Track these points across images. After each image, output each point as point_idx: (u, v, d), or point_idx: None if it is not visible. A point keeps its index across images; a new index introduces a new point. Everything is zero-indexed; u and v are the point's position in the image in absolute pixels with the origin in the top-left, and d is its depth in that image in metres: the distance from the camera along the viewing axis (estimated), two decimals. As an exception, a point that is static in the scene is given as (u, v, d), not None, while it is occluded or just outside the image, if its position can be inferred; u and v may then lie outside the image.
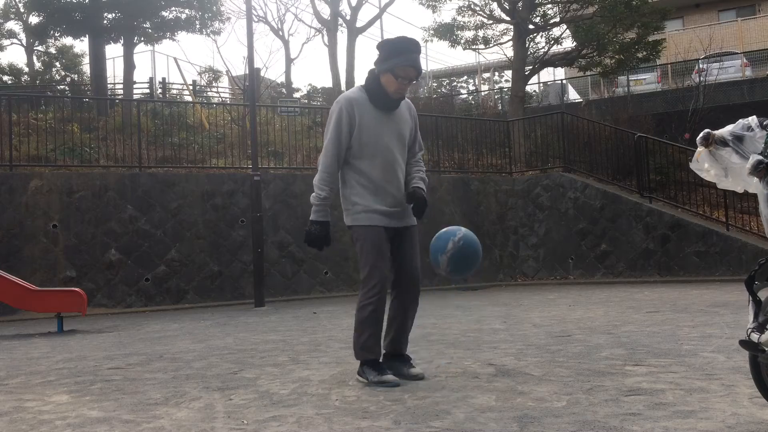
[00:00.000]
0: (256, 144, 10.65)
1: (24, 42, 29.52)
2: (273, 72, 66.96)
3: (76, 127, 12.88)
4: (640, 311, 6.83)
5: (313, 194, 3.77)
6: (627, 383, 3.36)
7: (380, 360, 3.74)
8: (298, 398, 3.37)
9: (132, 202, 10.66)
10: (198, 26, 18.99)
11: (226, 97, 24.88)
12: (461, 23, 18.87)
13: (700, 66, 18.44)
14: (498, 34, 19.08)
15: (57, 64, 31.14)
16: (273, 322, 7.57)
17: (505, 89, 25.57)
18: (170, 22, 18.71)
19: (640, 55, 17.45)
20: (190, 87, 23.11)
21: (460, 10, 18.84)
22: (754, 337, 2.50)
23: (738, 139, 2.80)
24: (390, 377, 3.62)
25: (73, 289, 8.15)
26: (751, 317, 2.57)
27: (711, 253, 11.27)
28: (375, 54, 3.86)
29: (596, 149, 13.96)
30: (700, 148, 2.94)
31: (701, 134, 2.92)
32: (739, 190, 2.96)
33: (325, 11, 22.96)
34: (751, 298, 2.59)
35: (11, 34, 29.84)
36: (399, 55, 3.69)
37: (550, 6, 18.17)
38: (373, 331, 3.67)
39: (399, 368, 3.74)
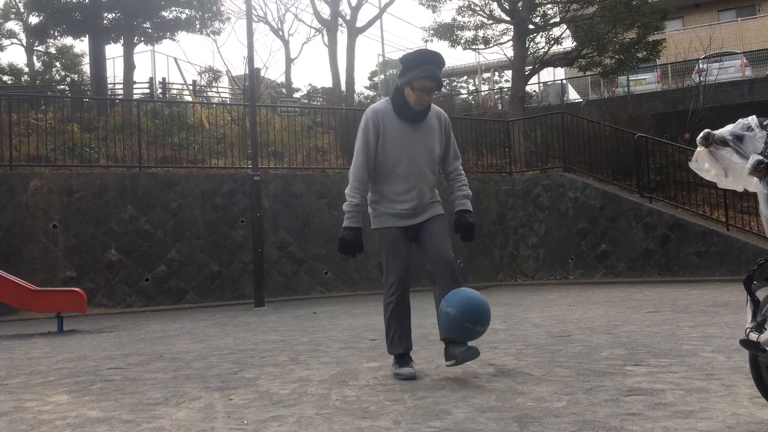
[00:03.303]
0: (256, 144, 10.65)
1: (24, 42, 29.52)
2: (273, 72, 67.00)
3: (76, 127, 12.88)
4: (640, 311, 6.83)
5: (345, 203, 3.92)
6: (627, 383, 3.36)
7: (407, 353, 3.88)
8: (298, 398, 3.37)
9: (132, 202, 10.66)
10: (198, 26, 19.00)
11: (226, 97, 24.89)
12: (461, 23, 18.87)
13: (700, 66, 18.43)
14: (498, 34, 19.09)
15: (57, 64, 31.13)
16: (273, 322, 7.57)
17: (505, 89, 25.58)
18: (170, 22, 18.71)
19: (640, 55, 17.44)
20: (190, 87, 23.11)
21: (460, 10, 18.85)
22: (753, 336, 2.50)
23: (738, 138, 2.80)
24: (405, 370, 3.78)
25: (73, 289, 8.14)
26: (749, 317, 2.58)
27: (711, 253, 11.27)
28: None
29: (596, 149, 13.96)
30: (700, 148, 2.94)
31: (701, 134, 2.92)
32: (740, 189, 2.96)
33: (325, 11, 22.95)
34: (749, 298, 2.59)
35: (11, 34, 29.83)
36: (416, 67, 3.79)
37: (550, 6, 18.17)
38: (397, 327, 3.85)
39: (455, 352, 3.75)
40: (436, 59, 3.84)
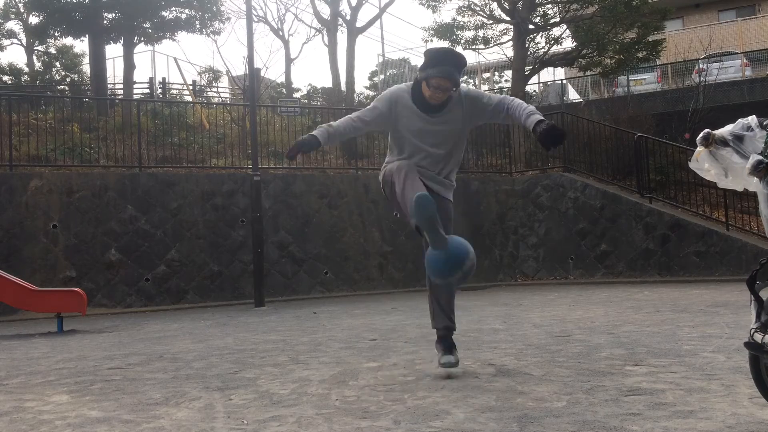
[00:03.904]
0: (256, 144, 10.65)
1: (24, 42, 29.52)
2: (273, 72, 67.01)
3: (76, 127, 12.88)
4: (640, 311, 6.83)
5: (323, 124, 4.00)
6: (627, 383, 3.35)
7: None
8: (298, 398, 3.37)
9: (132, 202, 10.66)
10: (198, 26, 19.00)
11: (226, 97, 24.89)
12: (461, 23, 18.88)
13: (700, 66, 18.43)
14: (498, 34, 19.10)
15: (57, 64, 31.13)
16: (273, 322, 7.57)
17: (505, 89, 25.58)
18: (170, 22, 18.72)
19: (640, 55, 17.45)
20: (190, 87, 23.11)
21: (460, 10, 18.85)
22: (758, 337, 2.50)
23: (738, 138, 2.81)
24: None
25: (73, 289, 8.14)
26: (753, 317, 2.57)
27: (711, 253, 11.27)
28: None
29: (596, 149, 13.96)
30: (700, 148, 2.94)
31: (701, 134, 2.92)
32: (740, 189, 2.97)
33: (325, 11, 22.94)
34: (753, 298, 2.58)
35: (11, 34, 29.83)
36: (434, 65, 3.79)
37: (550, 6, 18.17)
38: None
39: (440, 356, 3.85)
40: (458, 60, 3.83)
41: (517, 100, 3.89)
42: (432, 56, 3.83)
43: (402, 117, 3.90)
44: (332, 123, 3.94)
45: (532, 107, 3.80)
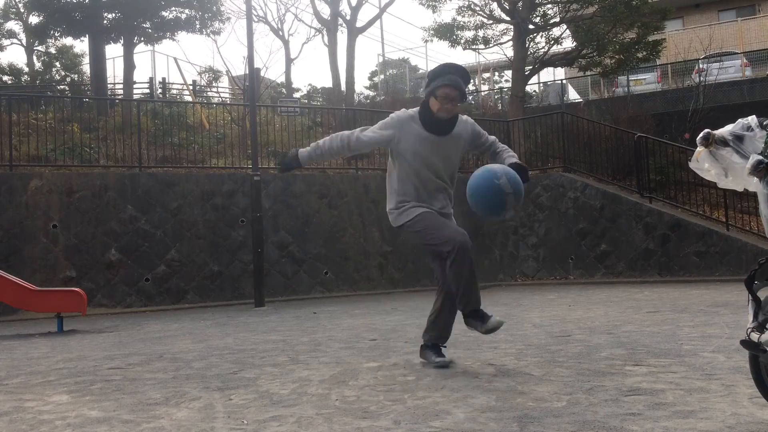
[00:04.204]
0: (256, 144, 10.65)
1: (24, 42, 29.52)
2: (273, 72, 67.01)
3: (76, 127, 12.88)
4: (640, 311, 6.83)
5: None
6: (627, 383, 3.35)
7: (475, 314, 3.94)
8: (298, 398, 3.37)
9: (132, 202, 10.66)
10: (198, 26, 18.99)
11: (226, 97, 24.89)
12: (461, 23, 18.87)
13: (700, 66, 18.43)
14: (498, 34, 19.09)
15: (57, 64, 31.12)
16: (273, 322, 7.57)
17: (505, 89, 25.57)
18: (170, 22, 18.71)
19: (640, 55, 17.45)
20: (190, 87, 23.11)
21: (460, 10, 18.85)
22: (754, 336, 2.50)
23: (738, 138, 2.81)
24: (494, 321, 3.87)
25: (73, 289, 8.14)
26: (750, 317, 2.57)
27: (711, 253, 11.27)
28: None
29: (596, 149, 13.96)
30: (700, 148, 2.94)
31: (701, 134, 2.92)
32: (740, 189, 2.97)
33: (325, 11, 22.96)
34: (750, 298, 2.59)
35: (11, 34, 29.83)
36: (439, 77, 3.92)
37: (550, 6, 18.17)
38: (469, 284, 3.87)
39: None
40: (460, 71, 3.97)
41: (504, 146, 4.21)
42: (435, 71, 3.97)
43: (409, 137, 3.96)
44: (319, 143, 4.08)
45: (514, 154, 4.15)
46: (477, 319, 3.89)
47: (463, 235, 3.89)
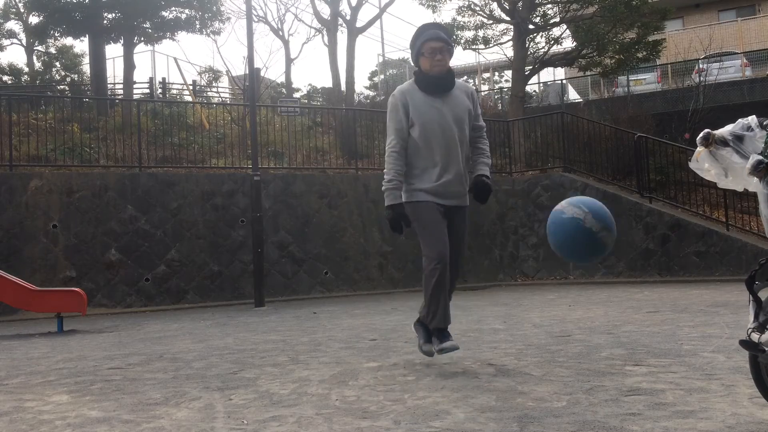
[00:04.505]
0: (256, 144, 10.65)
1: (24, 42, 29.50)
2: (273, 72, 67.02)
3: (76, 127, 12.88)
4: (640, 311, 6.83)
5: (383, 181, 4.02)
6: (627, 383, 3.35)
7: (447, 327, 3.94)
8: (298, 398, 3.37)
9: (132, 202, 10.66)
10: (198, 26, 18.99)
11: (226, 97, 24.89)
12: (461, 23, 18.88)
13: (700, 66, 18.43)
14: (498, 34, 19.10)
15: (57, 64, 31.12)
16: (273, 322, 7.57)
17: (505, 89, 25.58)
18: (170, 22, 18.71)
19: (640, 55, 17.45)
20: (190, 87, 23.11)
21: (460, 10, 18.86)
22: (755, 336, 2.50)
23: (738, 138, 2.80)
24: (449, 344, 3.85)
25: (73, 289, 8.14)
26: (751, 317, 2.57)
27: (711, 253, 11.27)
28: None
29: (596, 149, 13.96)
30: (700, 148, 2.94)
31: (701, 134, 2.92)
32: (740, 189, 2.96)
33: (325, 11, 22.93)
34: (751, 298, 2.58)
35: (11, 34, 29.81)
36: (418, 39, 3.98)
37: (550, 6, 18.17)
38: (441, 302, 3.90)
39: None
40: (436, 25, 4.07)
41: (485, 146, 4.20)
42: (413, 37, 4.03)
43: (415, 104, 3.95)
44: (385, 178, 3.97)
45: (487, 159, 4.17)
46: (437, 336, 3.93)
47: (445, 246, 3.89)
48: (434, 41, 3.92)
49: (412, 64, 4.08)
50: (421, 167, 3.97)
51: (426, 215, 3.94)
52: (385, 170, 4.01)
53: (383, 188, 3.99)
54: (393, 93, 4.06)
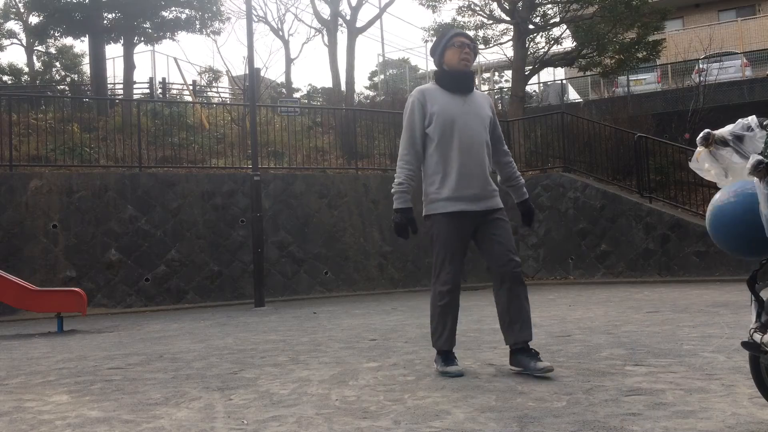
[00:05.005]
0: (256, 144, 10.65)
1: (24, 42, 29.54)
2: (273, 72, 66.98)
3: (76, 127, 12.88)
4: (640, 311, 6.83)
5: (392, 184, 3.90)
6: (627, 383, 3.35)
7: (452, 350, 3.86)
8: (298, 398, 3.37)
9: (132, 202, 10.66)
10: (198, 26, 19.01)
11: (226, 97, 24.90)
12: (461, 23, 18.89)
13: (700, 66, 18.43)
14: (498, 34, 19.12)
15: (57, 64, 31.13)
16: (273, 322, 7.57)
17: (505, 89, 25.57)
18: (170, 22, 18.72)
19: (640, 55, 17.45)
20: (190, 87, 23.12)
21: (460, 10, 18.88)
22: (757, 337, 2.49)
23: (738, 138, 2.80)
24: (453, 368, 3.76)
25: (73, 289, 8.14)
26: (753, 317, 2.57)
27: (711, 253, 11.27)
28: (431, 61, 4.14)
29: (596, 149, 13.96)
30: (700, 148, 2.93)
31: (701, 134, 2.92)
32: (740, 189, 2.95)
33: (325, 11, 22.94)
34: (753, 298, 2.58)
35: (11, 34, 29.85)
36: (444, 36, 3.94)
37: (550, 6, 18.17)
38: (449, 325, 3.82)
39: (525, 363, 3.68)
40: (459, 30, 4.08)
41: (514, 167, 4.13)
42: (436, 39, 3.97)
43: (436, 103, 3.80)
44: (396, 181, 3.82)
45: (523, 181, 4.14)
46: (442, 358, 3.84)
47: (459, 269, 3.81)
48: (464, 37, 3.90)
49: (435, 66, 3.95)
50: (441, 172, 3.77)
51: (444, 233, 3.76)
52: (396, 172, 3.86)
53: (392, 191, 3.85)
54: (412, 92, 3.90)
